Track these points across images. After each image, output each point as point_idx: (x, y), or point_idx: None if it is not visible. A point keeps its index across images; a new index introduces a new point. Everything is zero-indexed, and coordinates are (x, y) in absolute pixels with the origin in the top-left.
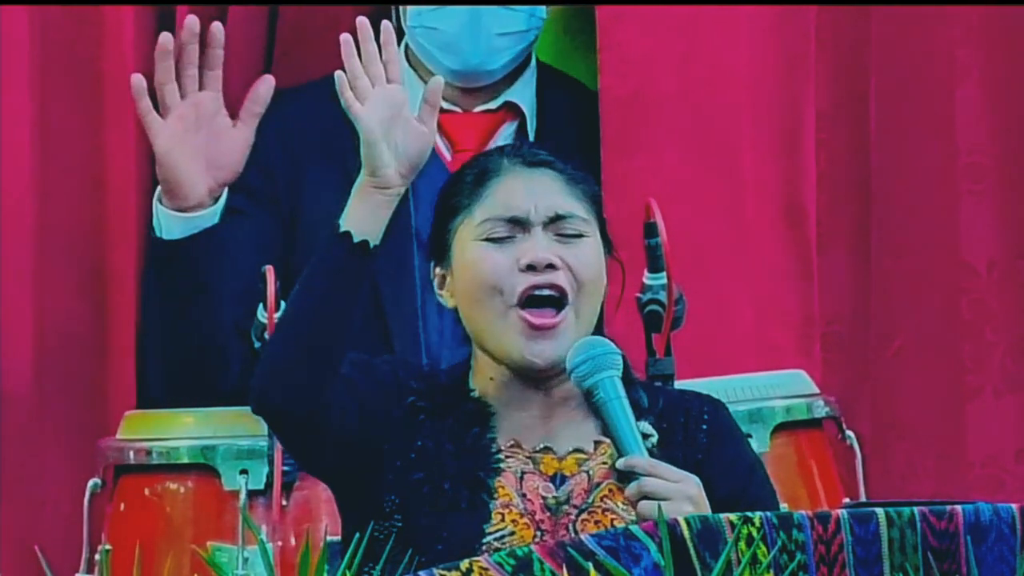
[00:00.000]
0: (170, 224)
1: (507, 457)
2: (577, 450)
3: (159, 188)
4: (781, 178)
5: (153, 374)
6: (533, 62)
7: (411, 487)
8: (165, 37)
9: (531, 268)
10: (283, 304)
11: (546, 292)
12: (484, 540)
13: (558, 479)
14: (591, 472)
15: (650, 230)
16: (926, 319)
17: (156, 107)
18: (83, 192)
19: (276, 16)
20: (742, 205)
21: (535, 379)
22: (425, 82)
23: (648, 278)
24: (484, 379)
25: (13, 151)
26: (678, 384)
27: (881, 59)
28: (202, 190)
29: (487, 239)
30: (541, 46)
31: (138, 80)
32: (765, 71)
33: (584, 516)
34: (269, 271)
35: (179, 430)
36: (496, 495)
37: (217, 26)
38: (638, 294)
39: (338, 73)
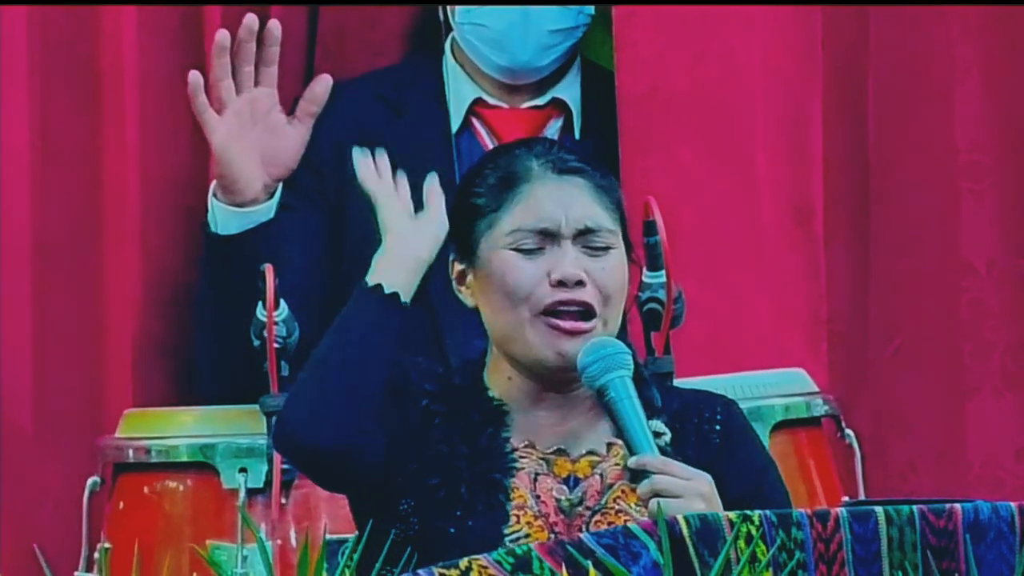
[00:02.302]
0: (226, 219)
1: (521, 457)
2: (591, 452)
3: (214, 183)
4: (791, 177)
5: (204, 371)
6: (578, 59)
7: (427, 492)
8: (222, 34)
9: (561, 284)
10: (286, 301)
11: (573, 308)
12: (503, 542)
13: (571, 481)
14: (604, 474)
15: (649, 228)
16: (926, 318)
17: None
18: (82, 191)
19: (316, 16)
20: (754, 203)
21: (554, 381)
22: (471, 78)
23: (647, 276)
24: (501, 378)
25: (12, 151)
26: (679, 382)
27: (881, 59)
28: (258, 185)
29: (516, 249)
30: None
31: (195, 77)
32: (778, 69)
33: (597, 518)
34: (268, 270)
35: (178, 428)
36: (512, 496)
37: (274, 23)
38: (637, 292)
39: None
